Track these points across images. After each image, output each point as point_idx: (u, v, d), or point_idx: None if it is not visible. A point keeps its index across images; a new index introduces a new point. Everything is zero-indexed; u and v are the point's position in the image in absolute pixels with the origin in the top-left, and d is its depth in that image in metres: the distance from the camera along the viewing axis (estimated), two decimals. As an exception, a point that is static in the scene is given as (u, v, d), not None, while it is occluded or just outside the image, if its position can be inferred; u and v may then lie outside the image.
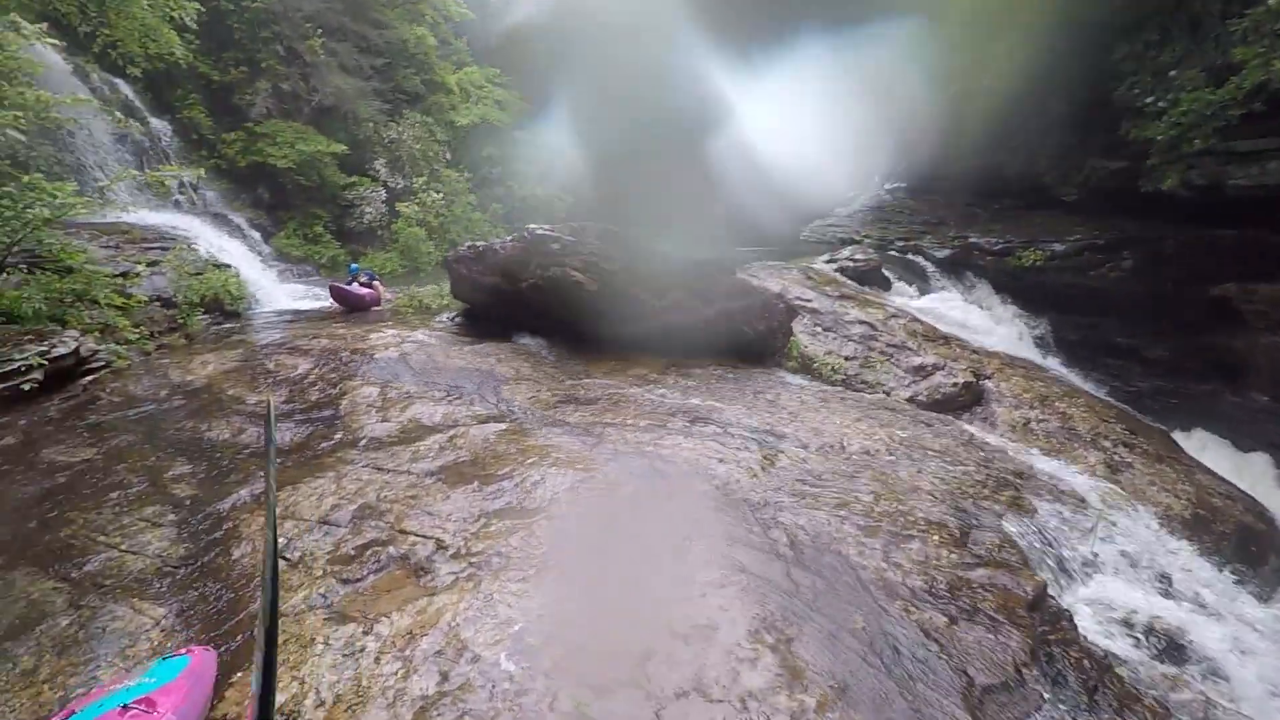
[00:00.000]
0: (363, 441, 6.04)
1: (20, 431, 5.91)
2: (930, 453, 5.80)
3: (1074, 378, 13.69)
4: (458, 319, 11.60)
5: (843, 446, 5.90)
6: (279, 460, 5.61)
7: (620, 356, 9.13)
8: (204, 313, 10.46)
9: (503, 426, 6.40)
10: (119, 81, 17.19)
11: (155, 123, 18.43)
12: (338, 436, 6.15)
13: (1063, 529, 4.86)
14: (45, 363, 6.37)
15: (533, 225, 9.11)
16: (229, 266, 12.55)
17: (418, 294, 13.14)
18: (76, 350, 6.88)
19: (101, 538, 4.52)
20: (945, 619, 3.65)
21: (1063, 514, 5.03)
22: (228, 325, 10.96)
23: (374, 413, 6.71)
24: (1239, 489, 10.62)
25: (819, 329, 12.74)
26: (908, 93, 20.53)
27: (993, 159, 18.69)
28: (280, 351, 8.73)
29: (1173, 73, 11.34)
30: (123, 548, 4.42)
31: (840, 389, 9.18)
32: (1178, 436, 12.38)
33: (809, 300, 13.31)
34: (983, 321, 15.41)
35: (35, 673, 3.40)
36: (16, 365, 6.16)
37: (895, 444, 5.95)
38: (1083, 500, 5.48)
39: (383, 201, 24.38)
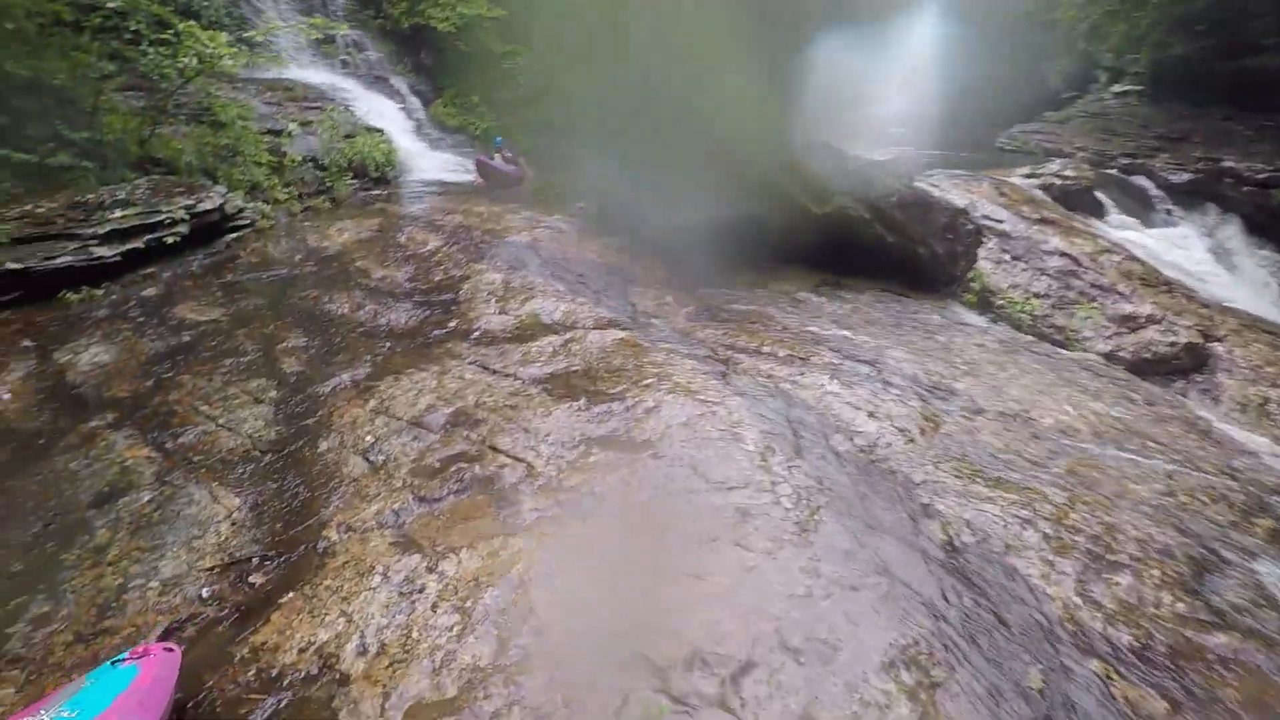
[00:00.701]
0: (475, 334, 5.61)
1: (163, 283, 6.01)
2: (1151, 444, 4.50)
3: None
4: (594, 210, 10.92)
5: (1030, 419, 4.72)
6: (388, 344, 5.31)
7: (768, 266, 8.12)
8: (352, 177, 10.41)
9: (623, 335, 5.74)
10: (292, -64, 17.13)
11: (324, -24, 18.41)
12: (452, 325, 5.77)
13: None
14: (188, 217, 6.39)
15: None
16: (381, 132, 12.44)
17: (558, 177, 12.52)
18: (221, 207, 6.88)
19: (204, 407, 4.42)
20: (1165, 705, 2.66)
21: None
22: (375, 191, 10.92)
23: (493, 302, 6.25)
24: None
25: (1007, 256, 10.86)
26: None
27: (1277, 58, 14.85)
28: (415, 225, 8.48)
29: None
30: (220, 421, 4.30)
31: (1030, 338, 7.68)
32: None
33: (999, 221, 11.33)
34: (1222, 270, 12.65)
35: (105, 551, 3.30)
36: (163, 218, 6.20)
37: (1102, 425, 4.69)
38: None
39: (538, 70, 23.59)
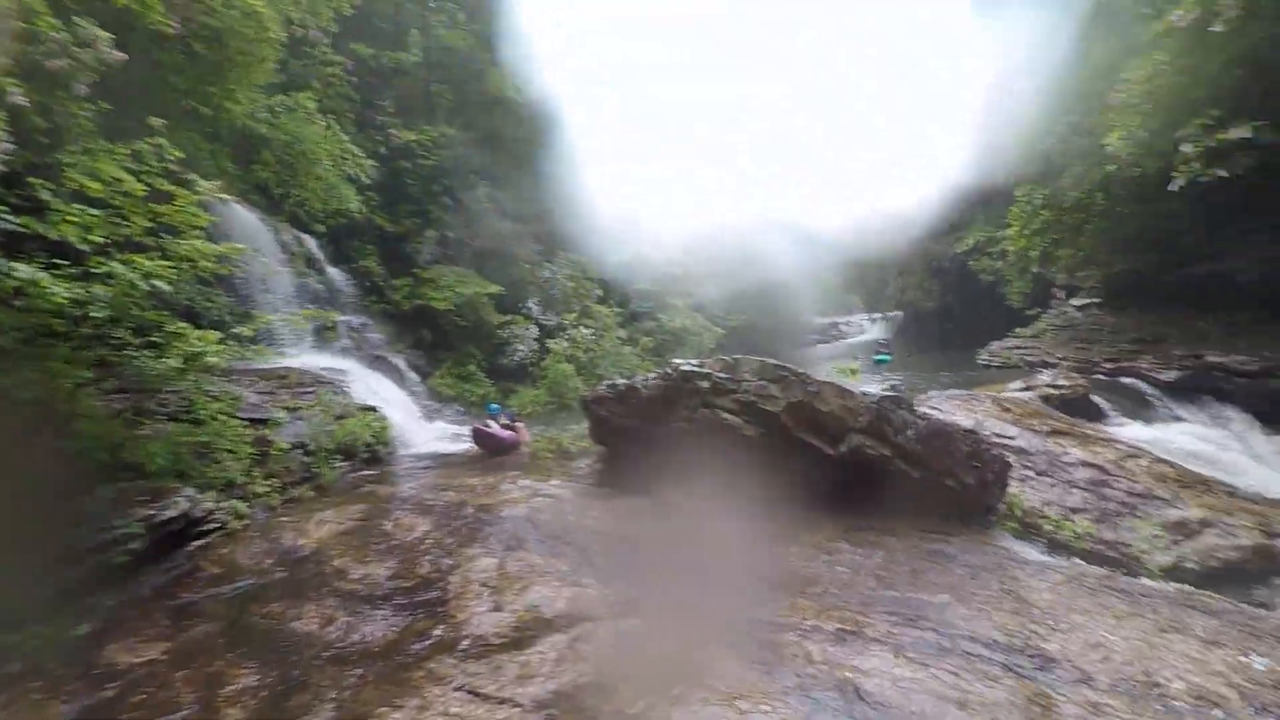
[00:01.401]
0: (464, 642, 4.74)
1: (100, 616, 5.22)
2: (1317, 705, 3.59)
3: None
4: (598, 466, 10.49)
5: (1157, 686, 3.80)
6: (360, 669, 4.41)
7: (789, 516, 7.45)
8: (342, 459, 10.05)
9: (637, 624, 4.90)
10: (305, 236, 18.78)
11: (332, 272, 19.89)
12: (437, 633, 4.91)
13: None
14: (143, 531, 5.79)
15: (679, 360, 7.94)
16: (375, 409, 12.40)
17: (557, 437, 12.29)
18: (187, 513, 6.33)
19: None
20: None
21: None
22: (366, 473, 10.50)
23: (486, 596, 5.46)
24: None
25: (1031, 473, 10.33)
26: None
27: (1218, 265, 15.75)
28: (404, 508, 7.90)
29: None
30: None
31: (1091, 565, 6.85)
32: None
33: (1011, 437, 10.97)
34: (1243, 459, 12.14)
35: None
36: (116, 534, 5.61)
37: (1243, 683, 3.78)
38: None
39: (534, 339, 24.77)
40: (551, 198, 30.96)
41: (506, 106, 26.93)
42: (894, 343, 38.01)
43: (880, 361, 30.59)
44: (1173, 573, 8.52)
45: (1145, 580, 6.10)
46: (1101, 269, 18.89)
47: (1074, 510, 9.59)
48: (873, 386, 12.85)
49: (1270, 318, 15.20)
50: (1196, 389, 14.03)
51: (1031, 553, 6.65)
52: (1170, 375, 14.41)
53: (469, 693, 4.03)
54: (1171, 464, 10.40)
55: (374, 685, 4.21)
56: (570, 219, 31.83)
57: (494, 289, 23.59)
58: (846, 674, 4.05)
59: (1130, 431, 12.82)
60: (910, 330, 44.00)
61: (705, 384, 7.29)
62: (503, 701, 3.92)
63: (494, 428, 12.43)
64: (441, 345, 23.79)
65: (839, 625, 4.64)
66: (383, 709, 3.90)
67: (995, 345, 19.84)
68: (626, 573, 6.16)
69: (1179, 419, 13.58)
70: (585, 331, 24.86)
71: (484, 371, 24.00)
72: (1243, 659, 4.04)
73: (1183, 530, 8.92)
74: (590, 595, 5.59)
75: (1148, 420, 13.65)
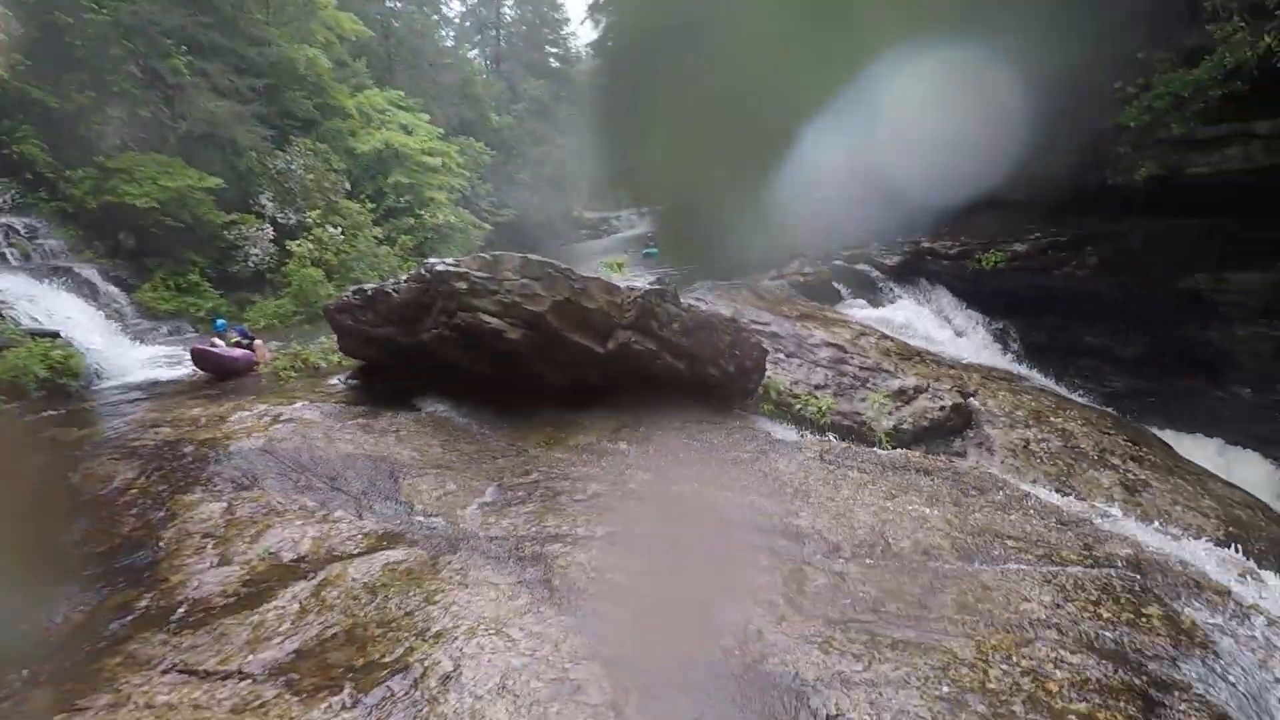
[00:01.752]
0: (179, 611, 3.93)
1: None
2: (1010, 543, 4.17)
3: (1054, 385, 12.58)
4: (352, 381, 9.45)
5: (887, 544, 4.19)
6: (26, 671, 3.45)
7: (559, 419, 7.26)
8: (6, 402, 7.96)
9: (399, 555, 4.42)
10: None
11: (-29, 161, 15.44)
12: (142, 605, 4.01)
13: (1258, 668, 3.27)
14: None
15: (432, 260, 7.14)
16: (55, 335, 9.99)
17: (303, 352, 10.86)
18: None
19: None
20: None
21: (1240, 633, 3.46)
22: (48, 413, 8.47)
23: (210, 548, 4.59)
24: (1247, 493, 9.67)
25: (782, 355, 11.18)
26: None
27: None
28: (100, 453, 6.45)
29: (1140, 54, 10.37)
30: None
31: (833, 437, 7.54)
32: (1167, 437, 11.40)
33: (766, 323, 11.76)
34: (945, 331, 14.28)
35: None
36: None
37: (956, 533, 4.30)
38: (1227, 591, 3.96)
39: (270, 240, 21.66)
40: (281, 72, 26.60)
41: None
42: (662, 235, 39.14)
43: (649, 255, 31.35)
44: (895, 434, 9.82)
45: (878, 450, 6.82)
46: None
47: (818, 387, 10.60)
48: (640, 280, 12.96)
49: (968, 210, 17.69)
50: (913, 270, 16.04)
51: (786, 433, 7.13)
52: (893, 260, 16.29)
53: (182, 672, 3.31)
54: (894, 340, 11.89)
55: (48, 686, 3.31)
56: (306, 98, 27.74)
57: (212, 182, 19.99)
58: (617, 576, 3.95)
59: (862, 312, 14.40)
60: (677, 224, 45.67)
61: (462, 285, 6.63)
62: (227, 676, 3.27)
63: (220, 347, 10.67)
64: (149, 252, 19.94)
65: (608, 528, 4.54)
66: (58, 717, 3.05)
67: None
68: (383, 498, 5.57)
69: (899, 298, 15.52)
70: (333, 231, 22.28)
71: (210, 281, 20.68)
72: (949, 512, 4.60)
73: (902, 397, 10.27)
74: (342, 530, 4.96)
75: (875, 301, 15.43)
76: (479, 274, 6.68)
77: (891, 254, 16.60)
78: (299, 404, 8.20)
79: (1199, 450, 11.43)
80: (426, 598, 3.90)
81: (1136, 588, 3.71)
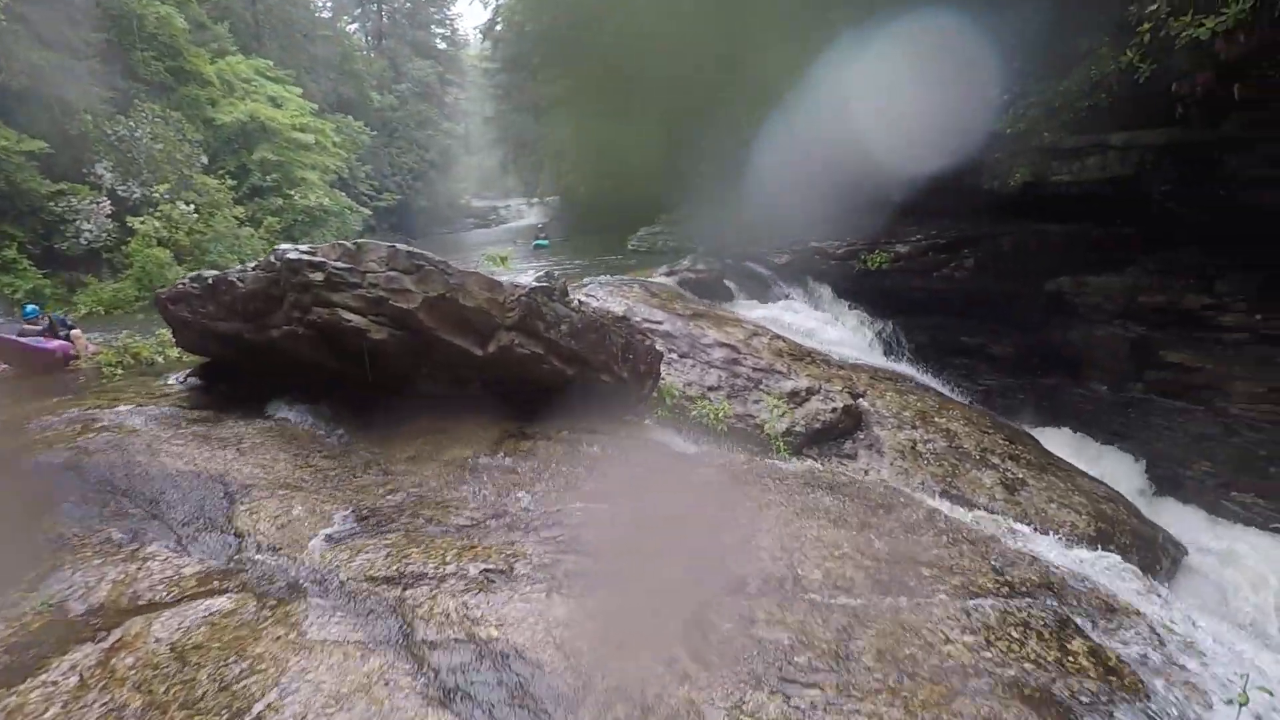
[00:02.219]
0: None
1: None
2: (925, 571, 3.88)
3: (935, 383, 12.95)
4: (193, 381, 8.22)
5: (796, 576, 3.80)
6: None
7: (433, 428, 6.49)
8: None
9: (221, 605, 3.60)
10: None
11: None
12: None
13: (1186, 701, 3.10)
14: None
15: (284, 246, 6.16)
16: None
17: (135, 346, 9.40)
18: None
19: None
20: None
21: (1162, 666, 3.29)
22: None
23: (-39, 608, 3.58)
24: (1109, 486, 10.23)
25: (675, 355, 10.81)
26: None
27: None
28: None
29: (1015, 64, 10.71)
30: None
31: (733, 445, 7.18)
32: (1037, 434, 11.98)
33: (659, 322, 11.35)
34: (834, 331, 14.43)
35: None
36: None
37: (869, 561, 3.97)
38: (1139, 612, 3.84)
39: (108, 215, 19.19)
40: (125, 28, 23.64)
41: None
42: (555, 226, 38.21)
43: (539, 246, 30.46)
44: (788, 437, 9.67)
45: (778, 463, 6.52)
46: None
47: (712, 388, 10.30)
48: (528, 275, 12.22)
49: (851, 209, 18.08)
50: (802, 269, 16.17)
51: (683, 444, 6.69)
52: (782, 258, 16.36)
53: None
54: (786, 340, 11.80)
55: None
56: (157, 59, 24.84)
57: (34, 145, 17.45)
58: (489, 628, 3.33)
59: (754, 311, 14.31)
60: (569, 215, 44.80)
61: (318, 276, 5.72)
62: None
63: (28, 338, 9.06)
64: (-47, 223, 17.25)
65: (483, 566, 3.90)
66: None
67: (644, 231, 20.74)
68: (215, 529, 4.66)
69: (787, 297, 15.58)
70: (185, 208, 20.01)
71: (33, 258, 18.09)
72: (857, 536, 4.28)
73: (795, 399, 10.13)
74: (154, 572, 4.05)
75: (765, 299, 15.41)
76: (338, 264, 5.79)
77: (782, 252, 16.68)
78: (122, 408, 6.98)
79: (1065, 444, 12.06)
80: (250, 665, 3.12)
81: (1055, 619, 3.50)
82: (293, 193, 27.40)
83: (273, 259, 6.01)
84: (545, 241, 30.20)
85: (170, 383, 8.45)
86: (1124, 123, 10.10)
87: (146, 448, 5.89)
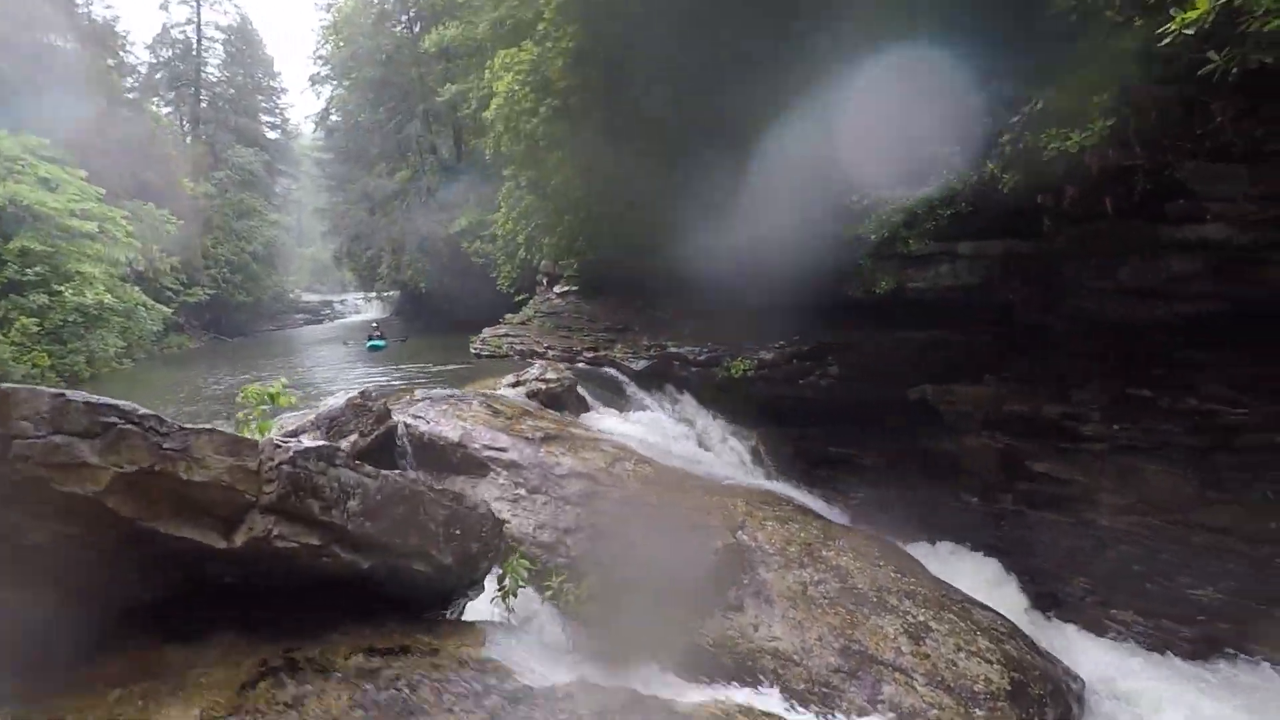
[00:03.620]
0: None
1: None
2: None
3: (811, 501, 11.86)
4: None
5: None
6: None
7: (146, 664, 4.14)
8: None
9: None
10: None
11: None
12: None
13: None
14: None
15: None
16: None
17: None
18: None
19: None
20: None
21: None
22: None
23: None
24: (1003, 617, 9.35)
25: (523, 492, 8.93)
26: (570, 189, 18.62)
27: (667, 258, 17.34)
28: None
29: (872, 169, 10.39)
30: None
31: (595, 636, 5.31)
32: (916, 549, 11.10)
33: (503, 449, 9.44)
34: (696, 447, 13.15)
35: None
36: None
37: None
38: None
39: None
40: None
41: None
42: (393, 323, 35.32)
43: (374, 348, 27.56)
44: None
45: (674, 702, 4.70)
46: (579, 257, 19.48)
47: (568, 531, 8.47)
48: (338, 398, 10.00)
49: (710, 307, 17.38)
50: (661, 375, 14.98)
51: (534, 663, 4.71)
52: (640, 364, 15.16)
53: None
54: (652, 463, 10.22)
55: None
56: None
57: None
58: None
59: (611, 423, 12.77)
60: (408, 310, 41.99)
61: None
62: None
63: None
64: None
65: None
66: None
67: (487, 332, 18.92)
68: None
69: (646, 408, 14.22)
70: (-114, 309, 15.66)
71: None
72: None
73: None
74: None
75: (623, 409, 13.95)
76: None
77: (638, 357, 15.47)
78: None
79: (947, 562, 11.25)
80: None
81: None
82: (63, 288, 22.95)
83: None
84: (381, 342, 27.39)
85: None
86: (985, 232, 9.89)
87: None
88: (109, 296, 24.79)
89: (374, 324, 32.07)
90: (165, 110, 52.03)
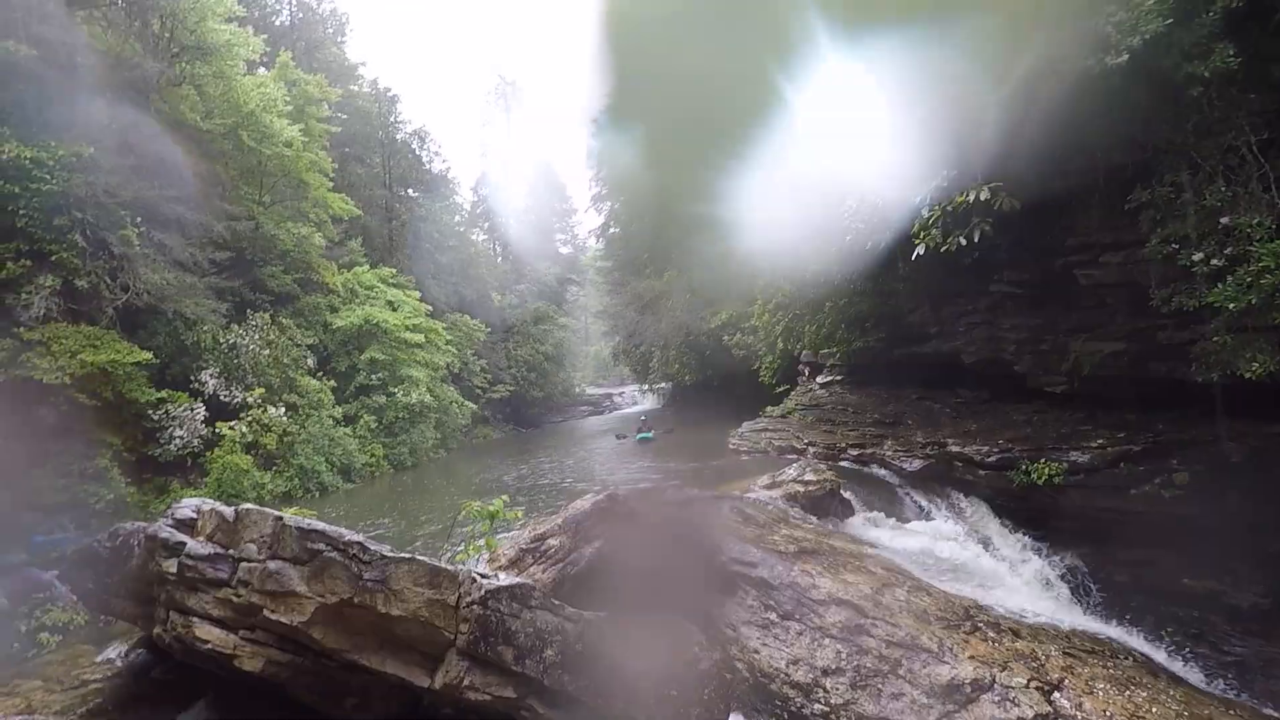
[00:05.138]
0: None
1: None
2: None
3: (1157, 652, 8.96)
4: (136, 655, 6.23)
5: None
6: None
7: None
8: None
9: None
10: None
11: None
12: None
13: None
14: None
15: (137, 524, 4.21)
16: None
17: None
18: None
19: None
20: None
21: None
22: None
23: None
24: None
25: (774, 616, 7.89)
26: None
27: (943, 345, 15.39)
28: None
29: (1224, 219, 8.03)
30: None
31: None
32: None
33: (752, 565, 8.53)
34: (991, 563, 10.88)
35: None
36: None
37: None
38: None
39: (203, 420, 19.12)
40: (260, 246, 25.60)
41: (185, 131, 21.58)
42: (664, 416, 36.64)
43: (644, 439, 28.64)
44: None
45: None
46: (841, 346, 18.27)
47: (826, 672, 7.20)
48: (500, 573, 9.96)
49: (992, 398, 15.01)
50: (940, 479, 12.99)
51: None
52: (914, 464, 13.33)
53: None
54: (930, 591, 8.51)
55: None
56: (285, 273, 26.56)
57: (141, 357, 17.84)
58: None
59: (880, 534, 11.19)
60: (677, 401, 43.39)
61: (170, 567, 3.67)
62: None
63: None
64: (61, 431, 17.46)
65: None
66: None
67: (746, 427, 18.31)
68: None
69: (928, 517, 12.30)
70: (276, 411, 19.75)
71: (124, 466, 17.91)
72: None
73: (955, 698, 6.81)
74: None
75: (898, 518, 12.21)
76: (200, 551, 3.72)
77: (912, 456, 13.62)
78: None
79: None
80: None
81: None
82: (396, 390, 27.43)
83: (120, 531, 4.03)
84: (650, 434, 28.40)
85: (109, 658, 6.50)
86: None
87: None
88: (429, 396, 29.09)
89: (643, 417, 33.45)
90: (482, 238, 62.10)
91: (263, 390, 20.18)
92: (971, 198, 9.40)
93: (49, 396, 16.71)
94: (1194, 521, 10.06)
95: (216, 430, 18.78)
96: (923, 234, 10.61)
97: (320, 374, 25.50)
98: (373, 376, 27.64)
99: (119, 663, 6.30)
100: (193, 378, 20.20)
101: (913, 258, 10.83)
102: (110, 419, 18.04)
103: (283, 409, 20.11)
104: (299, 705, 4.65)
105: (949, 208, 9.95)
